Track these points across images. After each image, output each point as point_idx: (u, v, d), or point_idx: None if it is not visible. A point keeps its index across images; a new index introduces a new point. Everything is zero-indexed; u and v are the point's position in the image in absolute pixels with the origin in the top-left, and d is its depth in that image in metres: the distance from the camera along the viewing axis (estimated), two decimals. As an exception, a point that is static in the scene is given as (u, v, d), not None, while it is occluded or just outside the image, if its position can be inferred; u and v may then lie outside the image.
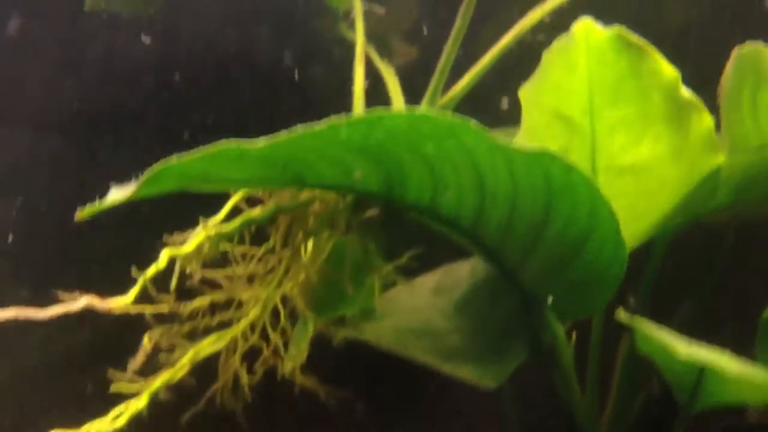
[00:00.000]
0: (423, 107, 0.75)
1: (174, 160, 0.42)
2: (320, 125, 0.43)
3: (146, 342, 0.55)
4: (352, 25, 0.86)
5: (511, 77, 0.66)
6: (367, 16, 0.87)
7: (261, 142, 0.43)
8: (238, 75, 0.99)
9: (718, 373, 0.46)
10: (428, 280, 1.05)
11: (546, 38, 0.63)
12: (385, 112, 0.45)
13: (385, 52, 1.05)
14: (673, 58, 0.58)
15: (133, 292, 0.56)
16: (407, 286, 1.02)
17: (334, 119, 0.43)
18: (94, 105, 0.96)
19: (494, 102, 0.79)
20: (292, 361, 0.74)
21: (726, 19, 0.94)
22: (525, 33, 0.78)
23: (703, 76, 0.65)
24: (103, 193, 0.48)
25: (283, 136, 0.43)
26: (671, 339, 0.46)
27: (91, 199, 0.48)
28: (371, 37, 0.88)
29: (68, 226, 0.58)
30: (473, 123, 0.47)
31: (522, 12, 0.80)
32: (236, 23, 0.98)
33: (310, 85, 1.00)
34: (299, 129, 0.43)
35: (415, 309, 1.03)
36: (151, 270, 0.57)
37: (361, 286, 0.82)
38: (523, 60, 0.64)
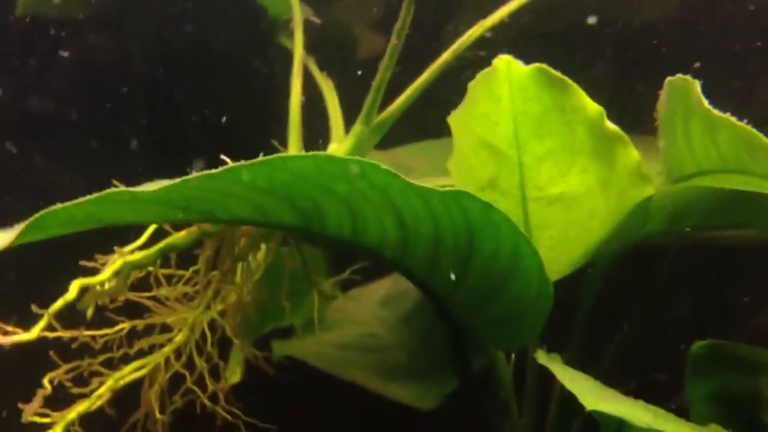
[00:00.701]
0: (357, 126, 0.73)
1: (59, 205, 0.40)
2: (218, 170, 0.41)
3: (47, 383, 0.53)
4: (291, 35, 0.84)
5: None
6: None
7: (155, 186, 0.41)
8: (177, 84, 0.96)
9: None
10: (379, 288, 1.04)
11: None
12: (288, 156, 0.43)
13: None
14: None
15: (38, 327, 0.53)
16: (356, 294, 1.01)
17: (233, 164, 0.41)
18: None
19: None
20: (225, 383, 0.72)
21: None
22: (465, 49, 0.76)
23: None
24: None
25: (178, 180, 0.41)
26: (581, 388, 0.45)
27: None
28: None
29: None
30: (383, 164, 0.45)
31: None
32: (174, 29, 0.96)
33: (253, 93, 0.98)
34: (196, 173, 0.41)
35: (361, 321, 1.01)
36: (59, 303, 0.55)
37: (301, 299, 0.80)
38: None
